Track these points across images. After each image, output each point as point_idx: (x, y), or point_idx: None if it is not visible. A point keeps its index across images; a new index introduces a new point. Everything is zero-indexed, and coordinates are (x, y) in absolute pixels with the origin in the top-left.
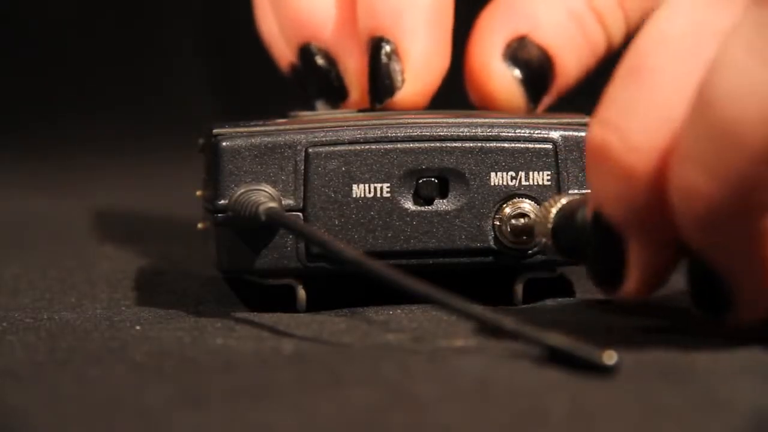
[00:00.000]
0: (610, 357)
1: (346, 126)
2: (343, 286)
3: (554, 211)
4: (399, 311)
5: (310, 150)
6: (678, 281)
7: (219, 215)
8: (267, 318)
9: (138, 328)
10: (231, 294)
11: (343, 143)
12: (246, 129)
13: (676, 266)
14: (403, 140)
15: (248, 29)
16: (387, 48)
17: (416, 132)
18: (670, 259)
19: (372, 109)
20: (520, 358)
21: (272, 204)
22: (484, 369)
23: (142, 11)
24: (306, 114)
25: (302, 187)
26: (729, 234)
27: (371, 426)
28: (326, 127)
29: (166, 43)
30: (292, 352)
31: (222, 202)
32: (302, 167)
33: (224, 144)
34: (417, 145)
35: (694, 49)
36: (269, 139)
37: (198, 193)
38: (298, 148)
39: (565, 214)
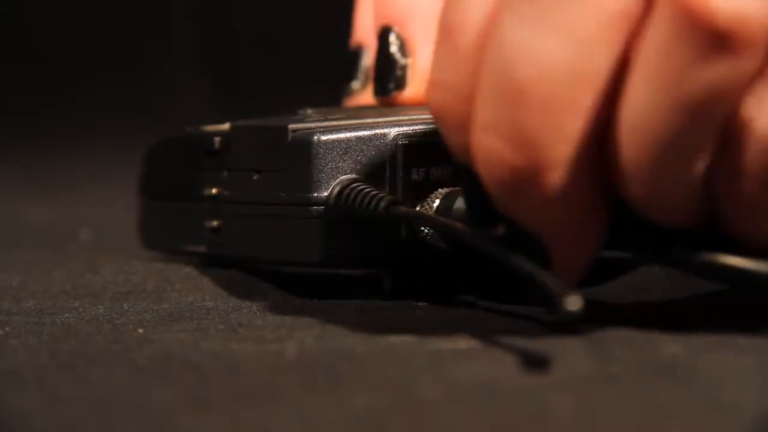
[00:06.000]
0: (574, 302)
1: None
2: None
3: (437, 202)
4: (402, 312)
5: (401, 142)
6: (679, 284)
7: (315, 207)
8: (270, 320)
9: (140, 330)
10: (234, 296)
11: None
12: (323, 123)
13: None
14: None
15: (248, 29)
16: (393, 37)
17: None
18: None
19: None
20: (524, 360)
21: (391, 197)
22: (487, 371)
23: (141, 11)
24: (316, 110)
25: (393, 179)
26: (532, 196)
27: (375, 429)
28: (414, 120)
29: (166, 43)
30: (296, 355)
31: (317, 195)
32: (391, 159)
33: (316, 138)
34: None
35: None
36: (360, 133)
37: (214, 191)
38: (389, 140)
39: (448, 204)
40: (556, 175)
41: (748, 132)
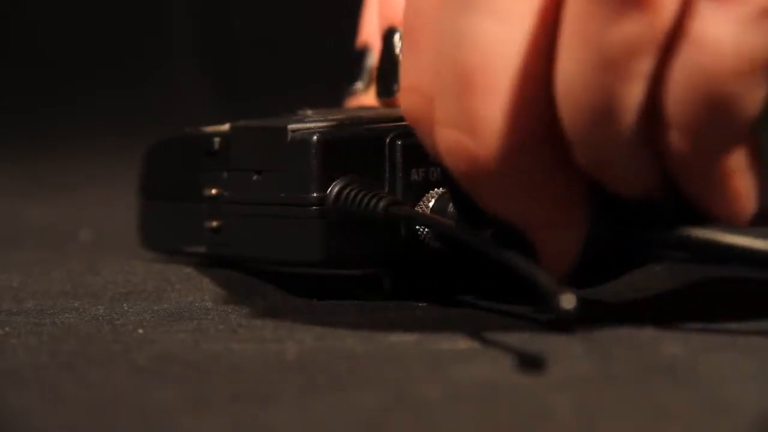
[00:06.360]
0: (569, 301)
1: None
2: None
3: (432, 202)
4: (402, 312)
5: (400, 142)
6: (679, 284)
7: (315, 208)
8: (270, 320)
9: (140, 331)
10: (234, 296)
11: None
12: (323, 124)
13: None
14: None
15: (248, 29)
16: (398, 38)
17: None
18: None
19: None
20: (524, 360)
21: (391, 198)
22: (487, 371)
23: (141, 11)
24: (315, 110)
25: (393, 180)
26: (501, 185)
27: (375, 429)
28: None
29: (166, 43)
30: (296, 355)
31: (317, 195)
32: (391, 160)
33: (315, 138)
34: None
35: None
36: (360, 133)
37: (214, 191)
38: (389, 140)
39: (443, 204)
40: (515, 158)
41: (670, 87)
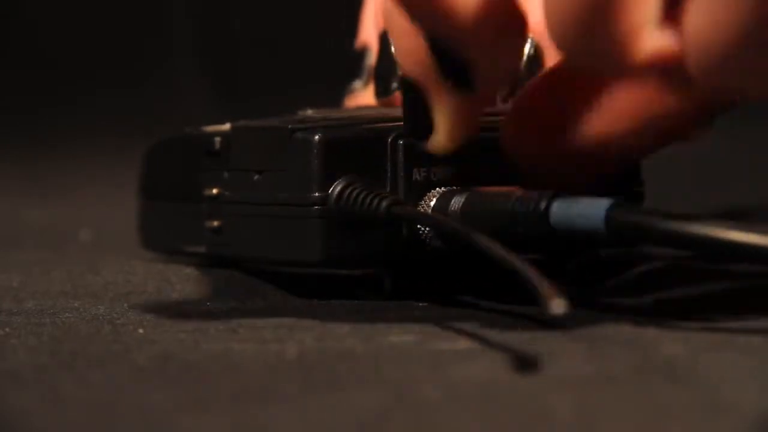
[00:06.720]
0: (559, 305)
1: None
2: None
3: (433, 202)
4: (402, 312)
5: (402, 142)
6: (679, 284)
7: (316, 207)
8: (270, 320)
9: (141, 331)
10: (234, 296)
11: None
12: (324, 123)
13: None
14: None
15: (248, 29)
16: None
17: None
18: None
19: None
20: (524, 360)
21: (393, 197)
22: (487, 371)
23: (141, 11)
24: (316, 110)
25: (394, 179)
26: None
27: (375, 429)
28: None
29: (166, 43)
30: (296, 355)
31: (318, 195)
32: (392, 159)
33: (317, 137)
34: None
35: None
36: (361, 133)
37: (214, 191)
38: (390, 139)
39: (444, 204)
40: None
41: None
